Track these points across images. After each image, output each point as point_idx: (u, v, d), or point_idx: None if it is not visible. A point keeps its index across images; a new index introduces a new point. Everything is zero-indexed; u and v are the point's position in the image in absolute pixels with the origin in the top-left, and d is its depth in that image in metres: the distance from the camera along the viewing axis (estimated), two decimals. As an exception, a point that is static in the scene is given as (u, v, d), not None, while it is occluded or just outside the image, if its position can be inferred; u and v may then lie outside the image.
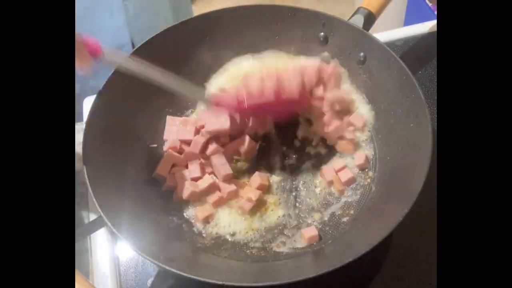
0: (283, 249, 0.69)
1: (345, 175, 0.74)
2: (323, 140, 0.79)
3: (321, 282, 0.56)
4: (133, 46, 0.98)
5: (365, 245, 0.56)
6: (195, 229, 0.71)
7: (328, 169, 0.75)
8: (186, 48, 0.82)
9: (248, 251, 0.69)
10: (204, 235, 0.70)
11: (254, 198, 0.70)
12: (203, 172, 0.73)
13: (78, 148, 0.65)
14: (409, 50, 0.98)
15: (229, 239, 0.70)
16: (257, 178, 0.72)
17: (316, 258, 0.65)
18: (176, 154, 0.76)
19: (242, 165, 0.77)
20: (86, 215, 0.77)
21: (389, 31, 1.02)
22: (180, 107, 0.84)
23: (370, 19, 0.79)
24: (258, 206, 0.72)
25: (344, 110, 0.78)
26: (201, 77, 0.84)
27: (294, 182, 0.76)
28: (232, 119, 0.73)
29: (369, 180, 0.75)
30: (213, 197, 0.71)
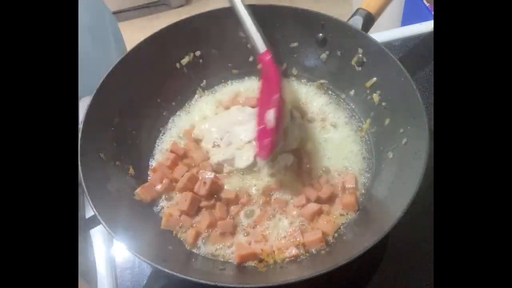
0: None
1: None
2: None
3: (318, 283, 0.56)
4: None
5: (360, 248, 0.57)
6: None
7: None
8: (180, 49, 0.82)
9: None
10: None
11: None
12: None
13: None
14: (407, 51, 0.98)
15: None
16: None
17: (311, 261, 0.65)
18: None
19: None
20: (82, 215, 0.77)
21: (387, 31, 1.02)
22: (177, 107, 0.84)
23: (369, 20, 0.79)
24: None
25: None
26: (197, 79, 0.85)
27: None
28: None
29: (366, 182, 0.75)
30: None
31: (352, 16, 0.80)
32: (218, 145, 0.77)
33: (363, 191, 0.74)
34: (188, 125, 0.82)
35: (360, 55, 0.79)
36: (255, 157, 0.74)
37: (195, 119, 0.83)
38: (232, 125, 0.77)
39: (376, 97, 0.78)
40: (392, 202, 0.65)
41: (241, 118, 0.78)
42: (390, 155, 0.73)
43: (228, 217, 0.70)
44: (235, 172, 0.75)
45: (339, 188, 0.73)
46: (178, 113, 0.84)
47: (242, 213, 0.71)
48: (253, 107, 0.80)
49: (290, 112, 0.78)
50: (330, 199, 0.72)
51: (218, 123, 0.79)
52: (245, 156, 0.74)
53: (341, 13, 0.98)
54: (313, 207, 0.70)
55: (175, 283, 0.67)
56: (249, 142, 0.75)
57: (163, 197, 0.73)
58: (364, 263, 0.69)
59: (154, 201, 0.73)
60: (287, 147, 0.76)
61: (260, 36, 0.73)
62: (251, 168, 0.74)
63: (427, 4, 1.57)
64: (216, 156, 0.74)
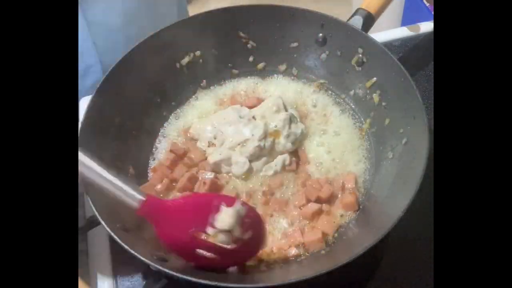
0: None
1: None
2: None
3: (318, 283, 0.56)
4: (102, 66, 0.97)
5: (360, 248, 0.57)
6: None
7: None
8: (180, 49, 0.82)
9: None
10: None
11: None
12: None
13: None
14: (407, 51, 0.98)
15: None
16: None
17: (311, 261, 0.65)
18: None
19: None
20: (82, 214, 0.77)
21: (387, 31, 1.02)
22: (177, 106, 0.84)
23: (369, 20, 0.79)
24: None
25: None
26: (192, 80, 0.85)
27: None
28: None
29: (365, 182, 0.75)
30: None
31: (352, 16, 0.80)
32: (214, 144, 0.77)
33: (363, 191, 0.74)
34: (188, 125, 0.82)
35: (360, 55, 0.79)
36: (251, 162, 0.73)
37: (194, 119, 0.83)
38: (224, 125, 0.77)
39: (376, 97, 0.78)
40: (392, 202, 0.65)
41: (233, 118, 0.77)
42: (390, 155, 0.73)
43: None
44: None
45: (339, 188, 0.73)
46: (178, 112, 0.84)
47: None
48: (251, 107, 0.80)
49: (290, 113, 0.78)
50: (330, 199, 0.72)
51: (212, 122, 0.79)
52: (241, 162, 0.73)
53: (341, 13, 0.98)
54: (313, 207, 0.70)
55: (175, 283, 0.67)
56: (240, 144, 0.74)
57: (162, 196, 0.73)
58: (364, 263, 0.69)
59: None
60: (286, 148, 0.76)
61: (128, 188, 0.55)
62: (249, 173, 0.74)
63: (427, 4, 1.58)
64: (213, 156, 0.74)
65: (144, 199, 0.54)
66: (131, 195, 0.54)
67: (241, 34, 0.83)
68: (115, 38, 0.80)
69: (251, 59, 0.87)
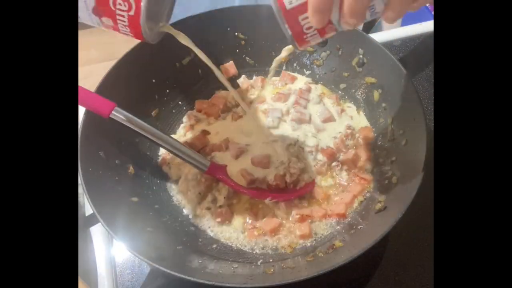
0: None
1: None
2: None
3: (319, 283, 0.56)
4: None
5: (358, 249, 0.57)
6: (189, 230, 0.71)
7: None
8: (181, 49, 0.82)
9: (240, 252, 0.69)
10: (199, 238, 0.70)
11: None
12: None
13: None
14: (407, 51, 0.98)
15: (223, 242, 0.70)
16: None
17: (311, 261, 0.65)
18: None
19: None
20: (82, 213, 0.77)
21: (387, 31, 1.02)
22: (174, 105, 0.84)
23: (370, 21, 0.79)
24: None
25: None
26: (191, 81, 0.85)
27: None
28: None
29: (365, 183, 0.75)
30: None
31: (353, 17, 0.80)
32: None
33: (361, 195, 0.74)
34: (188, 124, 0.82)
35: (361, 56, 0.79)
36: None
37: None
38: None
39: (376, 98, 0.78)
40: (390, 205, 0.65)
41: None
42: (388, 157, 0.73)
43: None
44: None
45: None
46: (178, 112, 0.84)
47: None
48: None
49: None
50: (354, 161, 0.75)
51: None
52: None
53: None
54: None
55: (173, 283, 0.67)
56: None
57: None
58: (364, 263, 0.69)
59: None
60: None
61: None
62: None
63: (427, 4, 1.57)
64: None
65: (208, 165, 0.70)
66: (201, 162, 0.70)
67: (241, 36, 0.83)
68: None
69: (250, 59, 0.86)
